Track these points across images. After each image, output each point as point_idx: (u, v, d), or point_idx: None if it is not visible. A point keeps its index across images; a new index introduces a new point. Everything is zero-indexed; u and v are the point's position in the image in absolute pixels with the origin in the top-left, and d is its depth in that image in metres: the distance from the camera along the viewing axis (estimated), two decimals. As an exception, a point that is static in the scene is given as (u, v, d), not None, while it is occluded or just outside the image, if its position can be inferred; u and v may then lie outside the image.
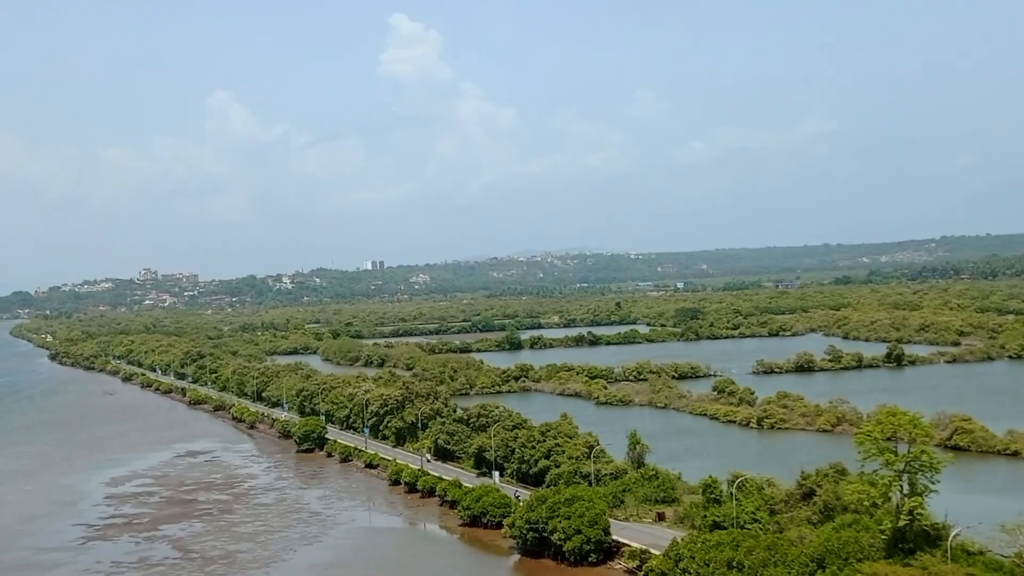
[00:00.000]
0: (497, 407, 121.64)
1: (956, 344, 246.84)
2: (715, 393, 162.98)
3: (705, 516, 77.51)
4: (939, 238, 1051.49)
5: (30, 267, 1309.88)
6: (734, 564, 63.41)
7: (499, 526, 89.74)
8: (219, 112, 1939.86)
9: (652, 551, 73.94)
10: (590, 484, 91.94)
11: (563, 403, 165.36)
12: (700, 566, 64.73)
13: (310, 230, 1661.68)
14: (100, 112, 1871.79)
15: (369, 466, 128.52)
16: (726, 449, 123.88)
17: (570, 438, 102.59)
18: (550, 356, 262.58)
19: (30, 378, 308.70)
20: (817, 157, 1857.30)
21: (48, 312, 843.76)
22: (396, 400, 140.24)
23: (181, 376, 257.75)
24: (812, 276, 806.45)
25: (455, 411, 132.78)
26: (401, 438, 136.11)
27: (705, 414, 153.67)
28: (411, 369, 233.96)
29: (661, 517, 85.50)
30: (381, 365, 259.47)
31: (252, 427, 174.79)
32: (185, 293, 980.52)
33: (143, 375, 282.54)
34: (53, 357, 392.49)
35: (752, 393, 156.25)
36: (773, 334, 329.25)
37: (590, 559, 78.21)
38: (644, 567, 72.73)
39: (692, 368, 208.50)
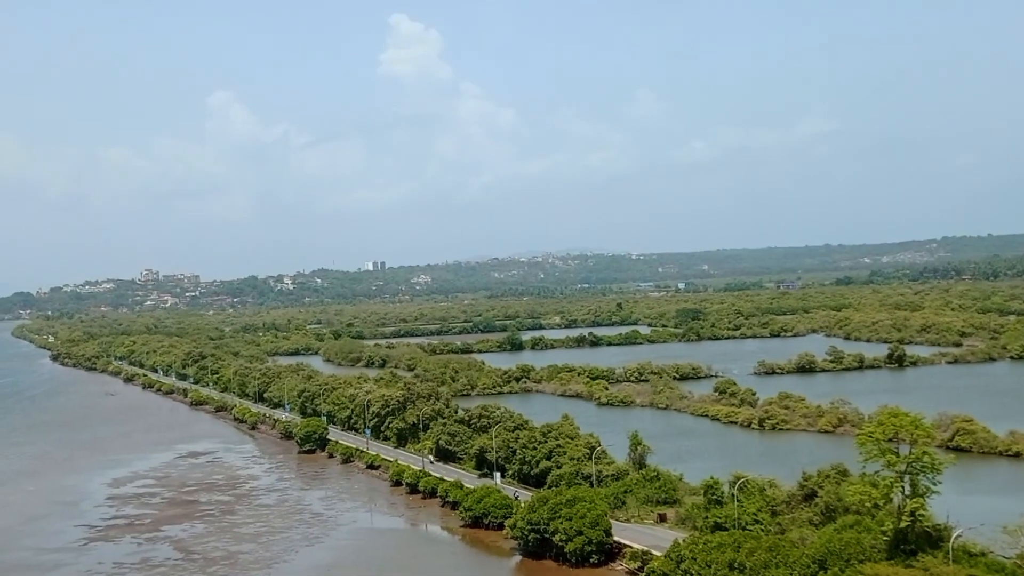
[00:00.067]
0: (498, 408, 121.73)
1: (958, 345, 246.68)
2: (716, 394, 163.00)
3: (707, 517, 77.55)
4: (940, 238, 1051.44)
5: (31, 267, 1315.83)
6: (735, 565, 63.42)
7: (501, 527, 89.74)
8: (219, 112, 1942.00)
9: (654, 552, 73.96)
10: (591, 485, 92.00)
11: (564, 404, 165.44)
12: (702, 567, 64.72)
13: (311, 230, 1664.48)
14: (100, 112, 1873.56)
15: (371, 467, 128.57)
16: (727, 450, 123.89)
17: (571, 439, 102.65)
18: (551, 357, 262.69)
19: (32, 379, 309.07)
20: (817, 157, 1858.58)
21: (50, 313, 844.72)
22: (397, 401, 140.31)
23: (183, 377, 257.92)
24: (813, 276, 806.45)
25: (456, 412, 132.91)
26: (402, 439, 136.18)
27: (706, 415, 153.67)
28: (412, 370, 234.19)
29: (663, 518, 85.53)
30: (382, 366, 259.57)
31: (254, 428, 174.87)
32: (186, 294, 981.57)
33: (145, 376, 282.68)
34: (55, 358, 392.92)
35: (753, 394, 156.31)
36: (774, 335, 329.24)
37: (592, 560, 78.21)
38: (646, 568, 72.73)
39: (693, 369, 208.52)
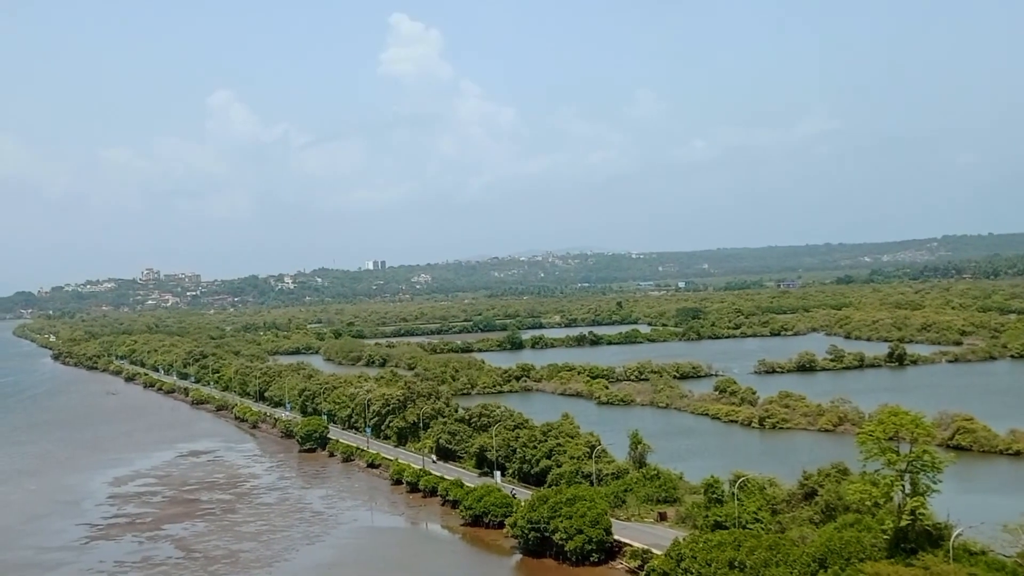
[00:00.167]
0: (498, 407, 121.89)
1: (958, 343, 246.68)
2: (717, 393, 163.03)
3: (707, 516, 77.60)
4: (941, 237, 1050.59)
5: (33, 267, 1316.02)
6: (736, 564, 63.47)
7: (501, 526, 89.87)
8: (219, 112, 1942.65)
9: (654, 551, 74.02)
10: (592, 484, 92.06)
11: (564, 403, 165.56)
12: (702, 566, 64.78)
13: (311, 230, 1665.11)
14: (100, 112, 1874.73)
15: (371, 466, 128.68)
16: (728, 449, 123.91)
17: (571, 438, 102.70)
18: (551, 356, 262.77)
19: (33, 378, 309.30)
20: (817, 157, 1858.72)
21: (51, 312, 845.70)
22: (398, 400, 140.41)
23: (184, 376, 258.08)
24: (814, 275, 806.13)
25: (456, 411, 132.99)
26: (403, 438, 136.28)
27: (707, 414, 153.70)
28: (413, 369, 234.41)
29: (663, 517, 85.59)
30: (383, 365, 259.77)
31: (254, 427, 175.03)
32: (187, 293, 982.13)
33: (146, 375, 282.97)
34: (56, 357, 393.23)
35: (754, 393, 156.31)
36: (775, 334, 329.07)
37: (592, 559, 78.31)
38: (646, 567, 72.79)
39: (694, 368, 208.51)
